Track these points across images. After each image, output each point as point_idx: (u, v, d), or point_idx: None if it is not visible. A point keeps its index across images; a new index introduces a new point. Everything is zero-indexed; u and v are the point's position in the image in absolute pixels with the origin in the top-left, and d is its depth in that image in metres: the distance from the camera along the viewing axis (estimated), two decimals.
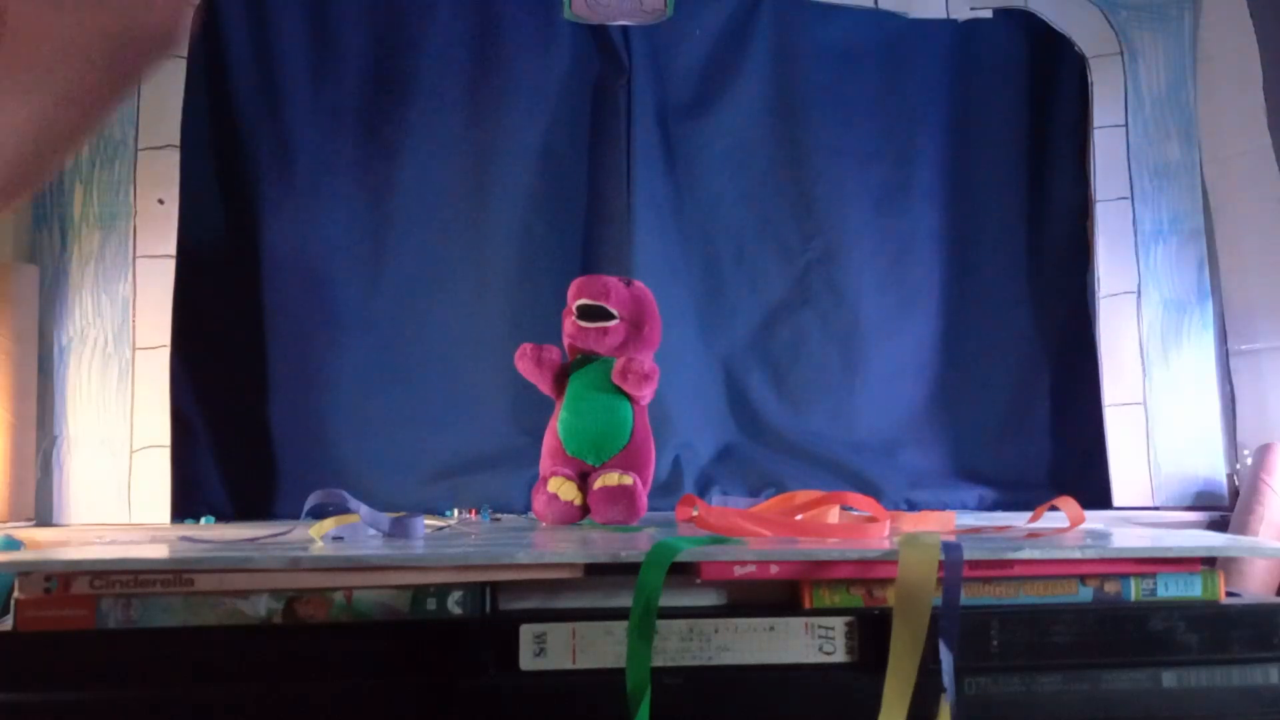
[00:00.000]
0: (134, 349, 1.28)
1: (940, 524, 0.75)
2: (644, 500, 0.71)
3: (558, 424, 0.72)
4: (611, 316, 0.71)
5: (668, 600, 0.49)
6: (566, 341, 0.78)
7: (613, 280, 0.72)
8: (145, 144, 1.29)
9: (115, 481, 1.26)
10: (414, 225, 1.42)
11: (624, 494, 0.69)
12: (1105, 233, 1.47)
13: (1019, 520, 0.83)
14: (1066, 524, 0.72)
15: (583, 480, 0.73)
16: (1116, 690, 0.50)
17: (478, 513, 1.30)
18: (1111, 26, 1.49)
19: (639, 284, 0.74)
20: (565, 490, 0.71)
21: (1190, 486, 1.40)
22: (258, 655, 0.49)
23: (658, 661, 0.49)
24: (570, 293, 0.72)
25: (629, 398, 0.72)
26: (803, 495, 0.81)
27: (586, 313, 0.71)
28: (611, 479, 0.70)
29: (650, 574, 0.48)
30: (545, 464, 0.73)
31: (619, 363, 0.71)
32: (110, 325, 1.28)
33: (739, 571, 0.52)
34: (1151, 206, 1.46)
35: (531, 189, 1.44)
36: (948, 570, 0.49)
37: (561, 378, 0.74)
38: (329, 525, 0.68)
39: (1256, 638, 0.51)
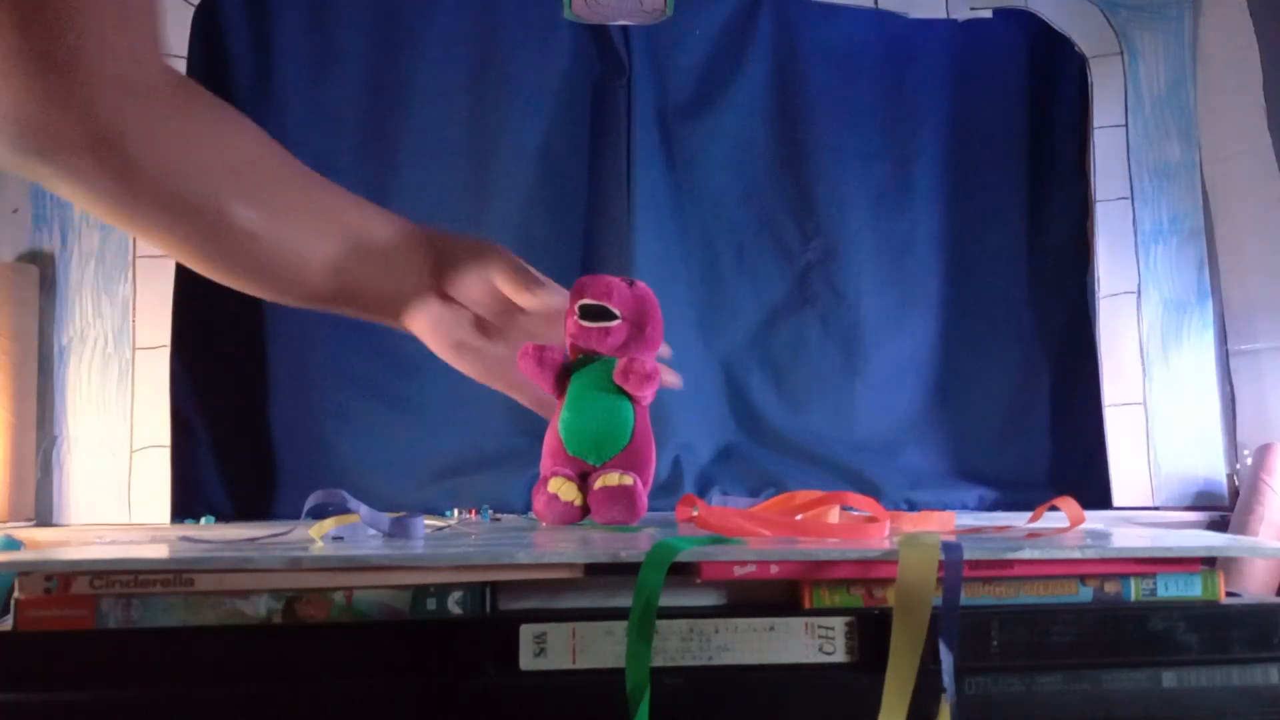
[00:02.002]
0: (134, 349, 1.28)
1: (940, 524, 0.75)
2: (644, 500, 0.71)
3: (558, 424, 0.72)
4: (614, 316, 0.70)
5: (668, 600, 0.49)
6: (568, 341, 0.78)
7: (615, 280, 0.72)
8: None
9: (115, 481, 1.26)
10: None
11: (624, 494, 0.69)
12: (1105, 233, 1.47)
13: (1019, 520, 0.83)
14: (1066, 524, 0.72)
15: (583, 480, 0.72)
16: (1116, 690, 0.50)
17: (478, 513, 1.30)
18: (1111, 26, 1.49)
19: (641, 284, 0.74)
20: (565, 491, 0.70)
21: (1190, 486, 1.40)
22: (258, 655, 0.49)
23: (658, 661, 0.49)
24: (572, 292, 0.71)
25: (630, 398, 0.72)
26: (803, 495, 0.81)
27: (589, 313, 0.70)
28: (612, 479, 0.70)
29: (650, 574, 0.48)
30: (546, 463, 0.73)
31: (621, 363, 0.71)
32: (110, 325, 1.28)
33: (739, 571, 0.52)
34: (1151, 206, 1.46)
35: (531, 189, 1.44)
36: (948, 570, 0.49)
37: (563, 377, 0.73)
38: (329, 525, 0.68)
39: (1256, 638, 0.51)
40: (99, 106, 0.45)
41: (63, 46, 0.43)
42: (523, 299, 0.66)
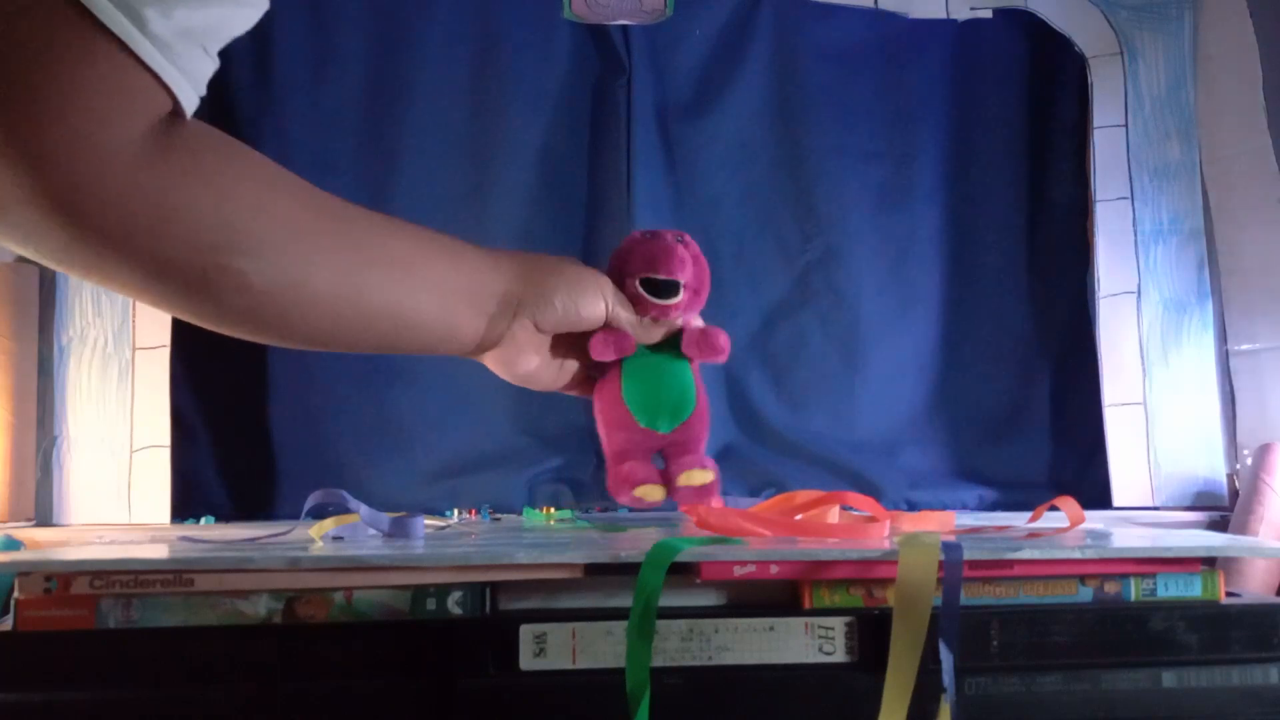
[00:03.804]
0: (134, 349, 1.28)
1: (940, 524, 0.75)
2: (719, 482, 0.70)
3: (622, 395, 0.68)
4: (680, 290, 0.68)
5: (668, 600, 0.49)
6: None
7: (678, 248, 0.68)
8: None
9: (115, 481, 1.26)
10: None
11: (709, 491, 0.68)
12: (1105, 233, 1.47)
13: (1019, 520, 0.83)
14: (1066, 524, 0.72)
15: (649, 461, 0.70)
16: (1116, 690, 0.51)
17: (478, 513, 1.30)
18: (1111, 26, 1.49)
19: (690, 240, 0.70)
20: (652, 494, 0.68)
21: (1190, 486, 1.40)
22: (258, 655, 0.49)
23: (658, 661, 0.49)
24: (636, 257, 0.67)
25: (686, 359, 0.70)
26: (803, 495, 0.81)
27: (658, 289, 0.67)
28: (697, 478, 0.67)
29: (650, 574, 0.48)
30: (614, 438, 0.69)
31: (692, 335, 0.68)
32: (110, 325, 1.28)
33: (739, 571, 0.52)
34: (1151, 206, 1.46)
35: (531, 189, 1.44)
36: (948, 570, 0.49)
37: None
38: (329, 525, 0.68)
39: (1256, 638, 0.51)
40: (56, 161, 0.39)
41: (22, 94, 0.38)
42: (639, 334, 0.63)
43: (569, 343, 0.64)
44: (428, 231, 0.55)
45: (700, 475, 0.67)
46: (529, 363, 0.61)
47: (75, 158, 0.39)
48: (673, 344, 0.68)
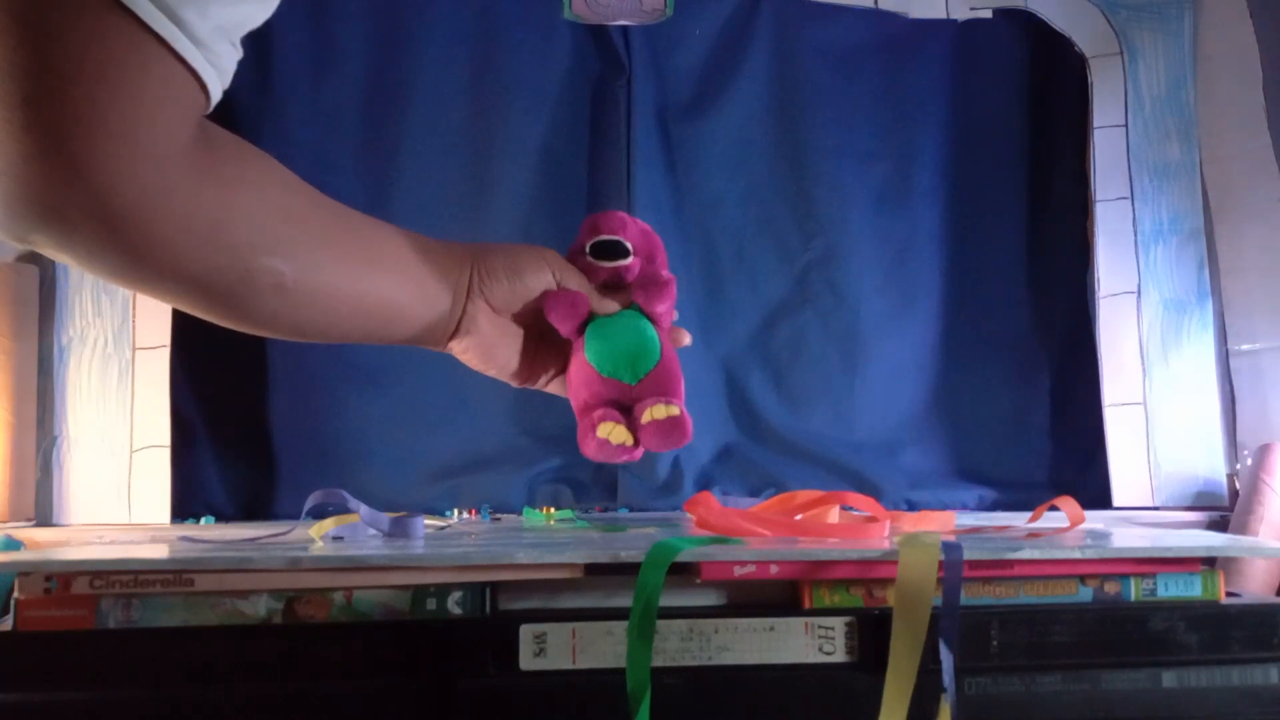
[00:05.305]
0: (134, 349, 1.28)
1: (940, 524, 0.75)
2: (690, 423, 0.70)
3: (585, 354, 0.69)
4: (628, 252, 0.69)
5: (668, 600, 0.49)
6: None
7: (625, 215, 0.71)
8: None
9: (115, 481, 1.26)
10: (414, 225, 1.41)
11: (674, 426, 0.67)
12: (1105, 233, 1.47)
13: (1019, 520, 0.83)
14: (1066, 524, 0.72)
15: (624, 412, 0.70)
16: (1116, 690, 0.51)
17: (478, 513, 1.30)
18: (1111, 26, 1.49)
19: (635, 218, 0.73)
20: (616, 434, 0.69)
21: (1190, 486, 1.40)
22: (258, 655, 0.49)
23: (658, 661, 0.49)
24: (583, 231, 0.70)
25: (651, 319, 0.71)
26: (803, 495, 0.81)
27: (603, 250, 0.69)
28: (659, 411, 0.67)
29: (650, 574, 0.48)
30: (580, 395, 0.70)
31: (637, 277, 0.69)
32: (110, 325, 1.28)
33: (739, 571, 0.52)
34: (1151, 206, 1.46)
35: (531, 189, 1.44)
36: (948, 570, 0.49)
37: (584, 322, 0.72)
38: (329, 525, 0.68)
39: (1256, 638, 0.51)
40: (116, 178, 0.38)
41: (90, 114, 0.36)
42: (595, 304, 0.65)
43: (541, 336, 0.65)
44: (398, 229, 0.60)
45: (663, 409, 0.66)
46: (498, 349, 0.63)
47: (143, 173, 0.39)
48: (632, 305, 0.69)
